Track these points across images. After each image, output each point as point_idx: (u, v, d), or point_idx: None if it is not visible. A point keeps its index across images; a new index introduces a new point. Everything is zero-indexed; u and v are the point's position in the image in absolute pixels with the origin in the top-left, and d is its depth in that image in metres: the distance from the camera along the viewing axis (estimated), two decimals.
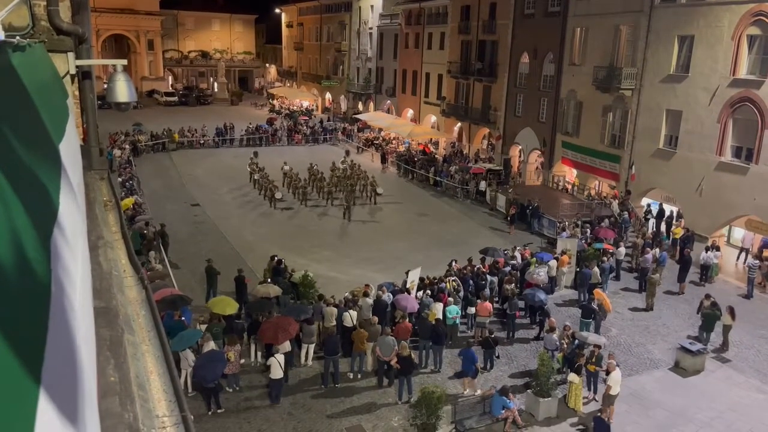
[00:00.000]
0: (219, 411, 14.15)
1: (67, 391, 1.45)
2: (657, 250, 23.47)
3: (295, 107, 68.61)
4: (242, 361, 15.59)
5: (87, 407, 1.60)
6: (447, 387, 15.47)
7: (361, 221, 30.40)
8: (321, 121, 57.25)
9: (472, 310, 18.65)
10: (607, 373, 14.54)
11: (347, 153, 43.32)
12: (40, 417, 1.17)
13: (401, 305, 17.59)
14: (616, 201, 29.49)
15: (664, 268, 22.38)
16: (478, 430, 13.94)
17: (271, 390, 14.86)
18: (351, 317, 17.03)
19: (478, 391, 15.29)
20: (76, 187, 2.40)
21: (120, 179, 31.64)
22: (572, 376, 14.87)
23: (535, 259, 22.00)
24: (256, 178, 35.46)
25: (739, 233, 26.06)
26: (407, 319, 17.20)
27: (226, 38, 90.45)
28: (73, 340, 1.60)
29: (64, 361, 1.50)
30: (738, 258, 25.63)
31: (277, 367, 14.53)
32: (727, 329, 18.25)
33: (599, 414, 13.60)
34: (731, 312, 18.22)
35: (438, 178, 37.45)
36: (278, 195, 32.22)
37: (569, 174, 35.37)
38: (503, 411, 13.87)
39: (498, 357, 16.92)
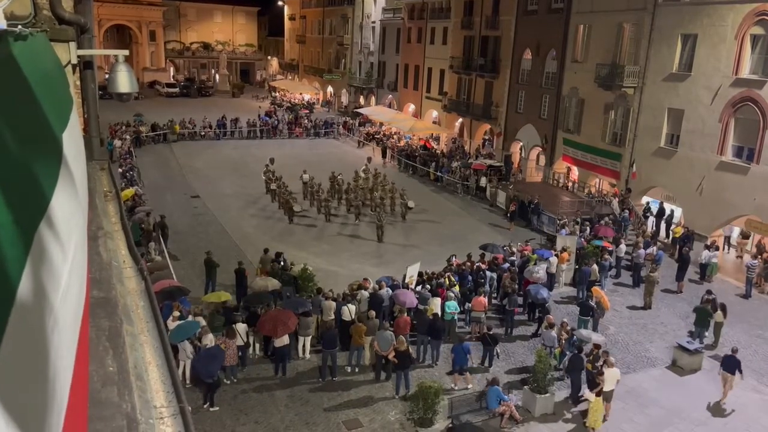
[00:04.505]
0: (212, 409, 14.05)
1: (24, 394, 1.34)
2: (654, 248, 23.50)
3: (296, 100, 68.50)
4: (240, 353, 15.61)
5: (53, 411, 1.49)
6: (444, 382, 15.50)
7: (393, 243, 26.43)
8: (326, 121, 54.02)
9: (469, 305, 18.68)
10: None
11: (369, 159, 38.91)
12: None
13: (400, 300, 17.61)
14: (617, 199, 29.49)
15: (660, 266, 22.36)
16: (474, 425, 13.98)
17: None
18: (350, 311, 17.06)
19: (470, 386, 15.34)
20: (79, 178, 2.36)
21: (120, 170, 31.60)
22: (588, 394, 14.23)
23: (536, 255, 22.02)
24: (272, 188, 31.57)
25: (737, 233, 26.18)
26: (405, 314, 17.22)
27: (229, 30, 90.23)
28: (44, 341, 1.50)
29: (25, 362, 1.38)
30: (722, 248, 25.87)
31: (240, 334, 15.57)
32: (718, 326, 18.33)
33: (730, 352, 13.85)
34: (723, 309, 18.28)
35: (439, 174, 37.45)
36: (297, 208, 28.70)
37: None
38: (500, 405, 13.90)
39: (498, 356, 16.91)
